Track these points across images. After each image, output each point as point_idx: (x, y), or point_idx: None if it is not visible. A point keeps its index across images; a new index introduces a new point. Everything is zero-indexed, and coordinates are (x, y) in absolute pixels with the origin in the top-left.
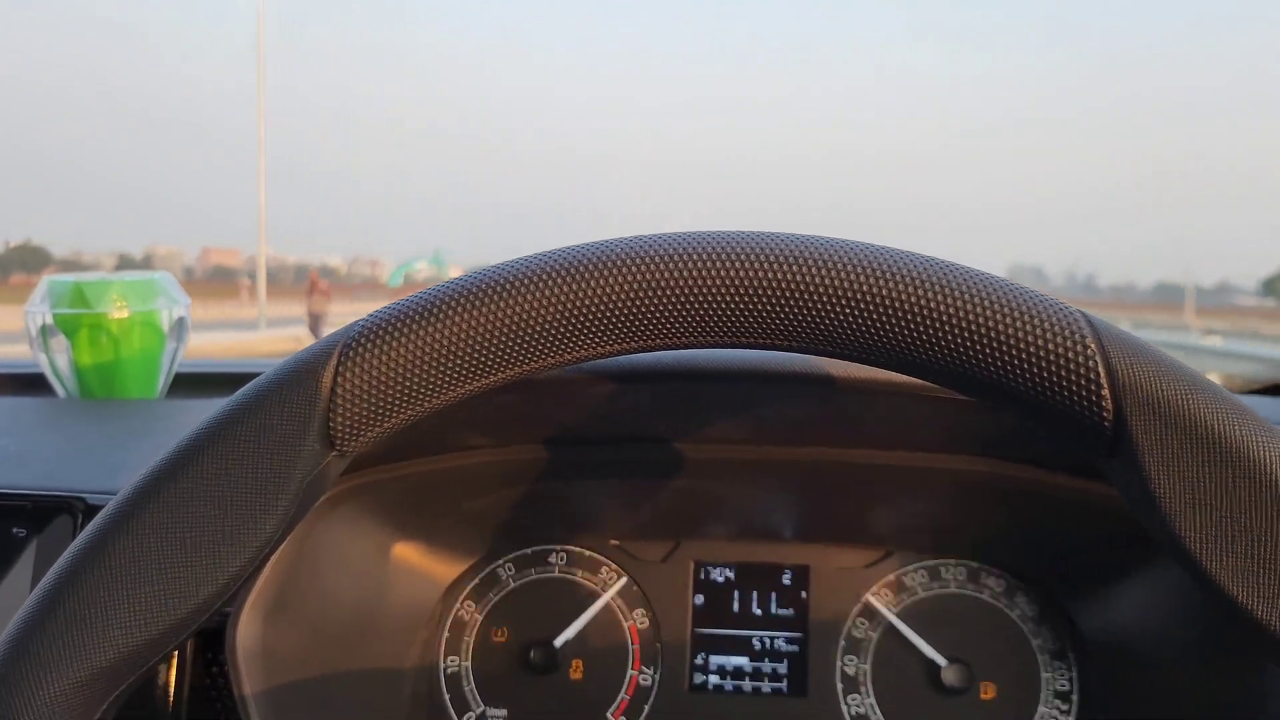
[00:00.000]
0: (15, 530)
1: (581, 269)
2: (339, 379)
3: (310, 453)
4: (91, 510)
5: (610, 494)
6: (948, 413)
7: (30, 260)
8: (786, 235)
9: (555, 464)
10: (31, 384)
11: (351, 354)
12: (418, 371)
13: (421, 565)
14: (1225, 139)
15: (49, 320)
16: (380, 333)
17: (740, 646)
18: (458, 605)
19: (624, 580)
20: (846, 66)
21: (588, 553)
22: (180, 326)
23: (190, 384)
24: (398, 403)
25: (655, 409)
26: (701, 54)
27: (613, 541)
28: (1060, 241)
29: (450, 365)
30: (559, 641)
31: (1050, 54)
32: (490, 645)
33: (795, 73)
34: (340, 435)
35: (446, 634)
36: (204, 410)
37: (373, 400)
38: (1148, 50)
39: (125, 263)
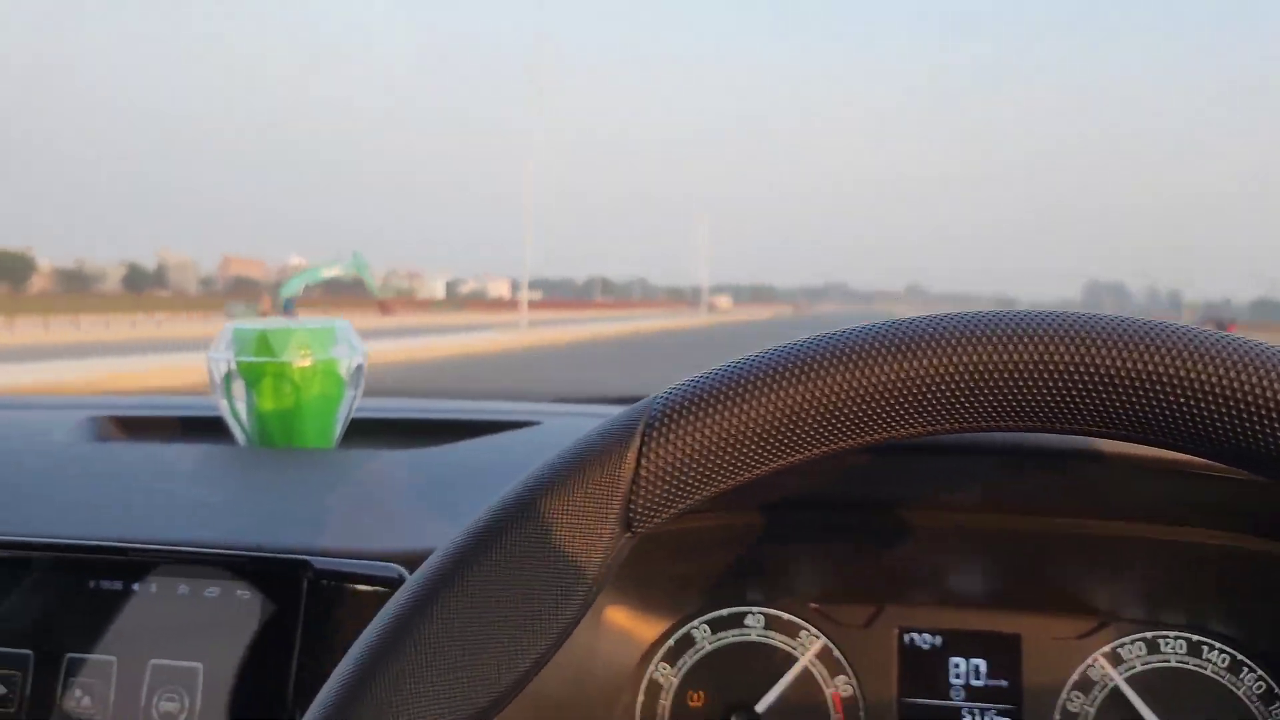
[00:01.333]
0: (239, 592)
1: (892, 347)
2: (643, 459)
3: (610, 535)
4: (321, 574)
5: (812, 556)
6: (1186, 485)
7: (14, 269)
8: (1090, 316)
9: (769, 528)
10: (210, 428)
11: (655, 433)
12: (720, 452)
13: (626, 627)
14: None
15: (233, 367)
16: (683, 411)
17: (950, 718)
18: (652, 667)
19: (824, 644)
20: (910, 71)
21: (786, 615)
22: (358, 374)
23: (363, 431)
24: (696, 483)
25: (884, 475)
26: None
27: (812, 605)
28: (1137, 256)
29: (753, 446)
30: (761, 707)
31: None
32: (687, 710)
33: (847, 76)
34: (638, 516)
35: (642, 697)
36: (382, 462)
37: (673, 481)
38: (1206, 54)
39: (135, 272)
